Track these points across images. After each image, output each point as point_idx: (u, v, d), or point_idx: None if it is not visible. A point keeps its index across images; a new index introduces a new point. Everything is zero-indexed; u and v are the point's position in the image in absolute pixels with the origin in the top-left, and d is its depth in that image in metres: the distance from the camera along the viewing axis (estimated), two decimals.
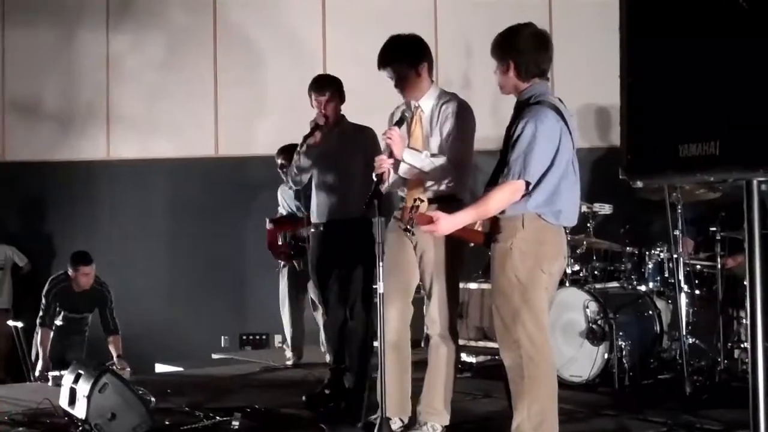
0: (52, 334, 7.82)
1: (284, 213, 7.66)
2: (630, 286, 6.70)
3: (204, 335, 9.67)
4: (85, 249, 8.07)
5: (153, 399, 5.35)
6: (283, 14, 9.99)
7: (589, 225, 6.80)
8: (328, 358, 6.29)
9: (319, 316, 7.44)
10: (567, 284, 6.45)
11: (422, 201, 4.21)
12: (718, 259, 6.23)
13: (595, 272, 6.85)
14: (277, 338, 9.20)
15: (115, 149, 10.33)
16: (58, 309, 7.86)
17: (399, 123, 4.67)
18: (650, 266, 6.68)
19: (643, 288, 6.66)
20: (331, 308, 5.77)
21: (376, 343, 4.42)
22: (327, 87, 5.71)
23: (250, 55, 10.03)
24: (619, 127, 4.80)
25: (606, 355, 6.06)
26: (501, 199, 4.00)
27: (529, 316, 3.98)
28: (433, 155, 4.61)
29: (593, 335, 6.11)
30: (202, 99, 10.05)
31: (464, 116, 4.67)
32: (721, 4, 3.60)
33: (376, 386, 4.33)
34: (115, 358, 7.73)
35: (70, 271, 7.85)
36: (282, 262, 7.61)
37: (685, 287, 6.25)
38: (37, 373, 7.73)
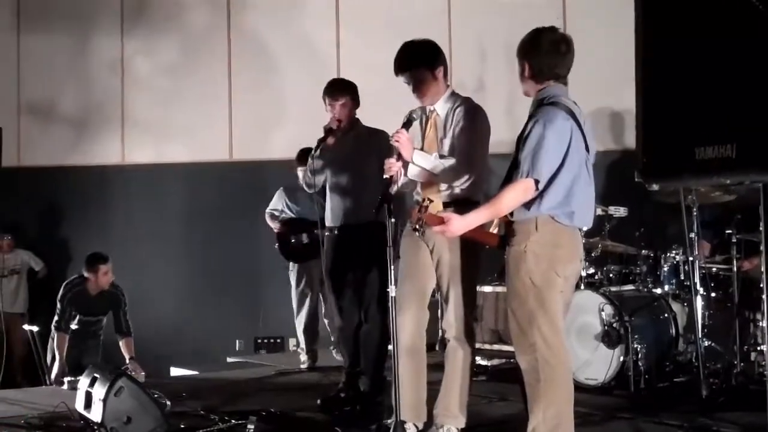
0: (68, 338, 7.84)
1: (292, 215, 7.68)
2: (645, 289, 6.68)
3: (219, 339, 9.70)
4: None
5: (168, 402, 5.35)
6: (296, 18, 10.01)
7: (604, 228, 6.79)
8: (342, 360, 6.29)
9: (326, 321, 7.49)
10: (582, 287, 6.43)
11: (431, 201, 4.20)
12: (734, 262, 6.20)
13: (611, 275, 6.83)
14: (292, 341, 9.20)
15: (130, 154, 10.37)
16: (73, 313, 7.89)
17: (406, 125, 4.65)
18: (666, 269, 6.66)
19: (658, 291, 6.64)
20: (345, 312, 5.77)
21: (391, 347, 4.40)
22: (342, 92, 5.71)
23: (264, 59, 10.06)
24: (634, 129, 4.80)
25: (621, 358, 6.04)
26: (512, 197, 4.00)
27: (545, 319, 3.98)
28: (442, 157, 4.60)
29: (609, 338, 6.09)
30: (216, 103, 10.09)
31: (477, 119, 4.67)
32: (737, 5, 3.59)
33: (391, 390, 4.32)
34: (127, 361, 7.75)
35: (87, 274, 7.88)
36: (291, 263, 7.64)
37: (701, 290, 6.22)
38: (53, 377, 7.75)
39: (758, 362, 6.05)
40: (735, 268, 6.20)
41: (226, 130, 10.10)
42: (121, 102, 10.37)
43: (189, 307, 10.02)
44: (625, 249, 6.89)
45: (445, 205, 4.57)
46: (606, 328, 6.12)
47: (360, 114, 5.81)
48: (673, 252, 6.60)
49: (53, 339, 7.90)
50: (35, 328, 8.25)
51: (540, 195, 4.00)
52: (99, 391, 4.80)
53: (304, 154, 6.96)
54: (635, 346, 6.02)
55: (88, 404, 4.91)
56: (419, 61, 4.69)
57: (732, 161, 3.61)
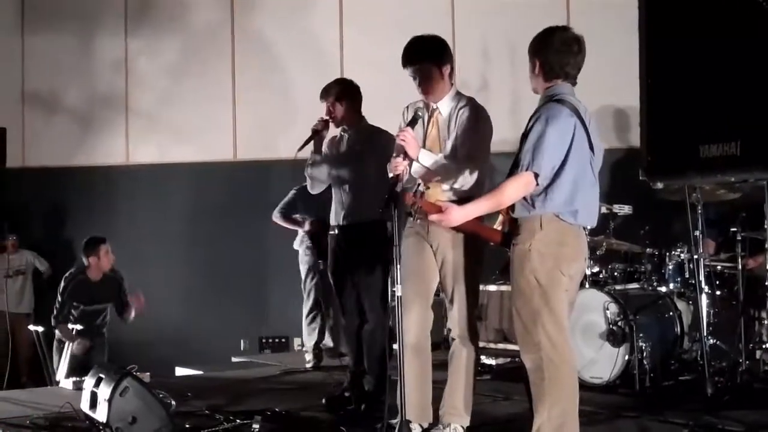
0: (70, 325, 7.84)
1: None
2: (650, 288, 6.67)
3: (223, 339, 9.70)
4: None
5: (173, 402, 5.35)
6: (301, 18, 10.01)
7: (608, 226, 6.78)
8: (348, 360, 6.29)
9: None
10: (587, 286, 6.43)
11: (428, 188, 4.17)
12: (739, 260, 6.20)
13: (615, 273, 6.83)
14: (297, 341, 9.21)
15: (134, 154, 10.38)
16: (75, 305, 7.87)
17: (412, 123, 4.62)
18: (670, 267, 6.65)
19: (663, 289, 6.63)
20: (348, 311, 5.77)
21: (395, 346, 4.40)
22: (326, 93, 5.77)
23: (269, 59, 10.06)
24: (638, 127, 4.81)
25: (626, 357, 6.04)
26: (512, 190, 4.01)
27: (550, 318, 3.98)
28: (446, 157, 4.60)
29: (613, 337, 6.09)
30: (220, 103, 10.09)
31: (481, 120, 4.65)
32: (742, 4, 3.59)
33: (396, 390, 4.32)
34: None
35: (89, 258, 7.89)
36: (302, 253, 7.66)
37: (706, 288, 6.22)
38: (76, 346, 7.70)
39: (763, 360, 6.05)
40: (740, 266, 6.20)
41: (230, 130, 10.11)
42: (126, 102, 10.38)
43: (194, 306, 10.03)
44: (630, 247, 6.88)
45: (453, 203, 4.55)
46: (611, 326, 6.11)
47: (365, 112, 5.81)
48: (678, 250, 6.60)
49: (57, 333, 7.89)
50: (40, 329, 8.26)
51: (544, 193, 4.00)
52: (104, 391, 4.80)
53: None
54: (640, 344, 6.01)
55: (93, 404, 4.91)
56: (428, 56, 4.67)
57: (736, 159, 3.62)
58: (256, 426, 4.94)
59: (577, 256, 4.12)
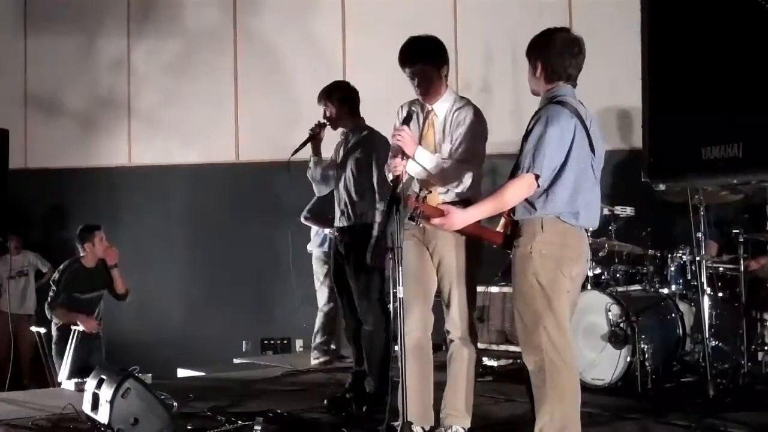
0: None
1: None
2: (652, 289, 6.67)
3: (225, 340, 9.70)
4: None
5: (175, 404, 5.36)
6: (303, 19, 10.01)
7: (610, 228, 6.78)
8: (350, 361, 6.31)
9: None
10: (589, 287, 6.43)
11: (430, 192, 4.16)
12: (741, 262, 6.19)
13: (617, 275, 6.83)
14: (299, 342, 9.22)
15: (137, 155, 10.38)
16: (71, 296, 7.82)
17: (407, 120, 4.59)
18: (673, 269, 6.65)
19: (665, 291, 6.63)
20: (348, 313, 5.78)
21: (396, 348, 4.40)
22: (326, 93, 5.79)
23: (271, 61, 10.07)
24: (640, 129, 4.79)
25: (628, 359, 6.04)
26: (514, 192, 4.01)
27: (551, 320, 3.97)
28: (442, 158, 4.58)
29: (615, 338, 6.09)
30: (222, 104, 10.10)
31: (476, 122, 4.63)
32: (744, 5, 3.59)
33: (398, 391, 4.31)
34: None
35: (84, 246, 7.87)
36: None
37: (708, 290, 6.22)
38: (82, 327, 7.67)
39: (766, 362, 6.05)
40: (742, 268, 6.19)
41: (232, 132, 10.12)
42: (128, 103, 10.39)
43: (196, 308, 10.03)
44: (632, 249, 6.88)
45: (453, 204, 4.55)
46: (613, 328, 6.11)
47: (364, 115, 5.81)
48: (680, 252, 6.60)
49: (54, 317, 7.82)
50: (43, 330, 8.24)
51: (545, 195, 4.00)
52: (106, 393, 4.80)
53: None
54: (642, 346, 6.01)
55: (95, 406, 4.92)
56: (428, 58, 4.64)
57: (738, 161, 3.62)
58: (258, 427, 4.94)
59: (579, 258, 4.12)
